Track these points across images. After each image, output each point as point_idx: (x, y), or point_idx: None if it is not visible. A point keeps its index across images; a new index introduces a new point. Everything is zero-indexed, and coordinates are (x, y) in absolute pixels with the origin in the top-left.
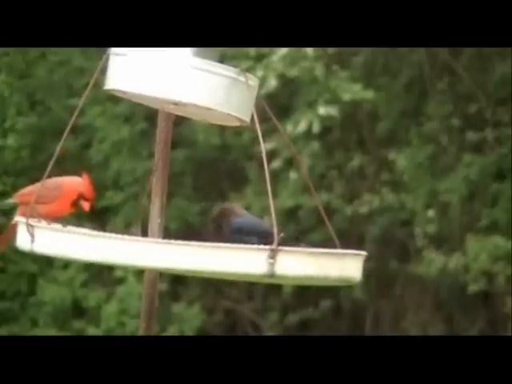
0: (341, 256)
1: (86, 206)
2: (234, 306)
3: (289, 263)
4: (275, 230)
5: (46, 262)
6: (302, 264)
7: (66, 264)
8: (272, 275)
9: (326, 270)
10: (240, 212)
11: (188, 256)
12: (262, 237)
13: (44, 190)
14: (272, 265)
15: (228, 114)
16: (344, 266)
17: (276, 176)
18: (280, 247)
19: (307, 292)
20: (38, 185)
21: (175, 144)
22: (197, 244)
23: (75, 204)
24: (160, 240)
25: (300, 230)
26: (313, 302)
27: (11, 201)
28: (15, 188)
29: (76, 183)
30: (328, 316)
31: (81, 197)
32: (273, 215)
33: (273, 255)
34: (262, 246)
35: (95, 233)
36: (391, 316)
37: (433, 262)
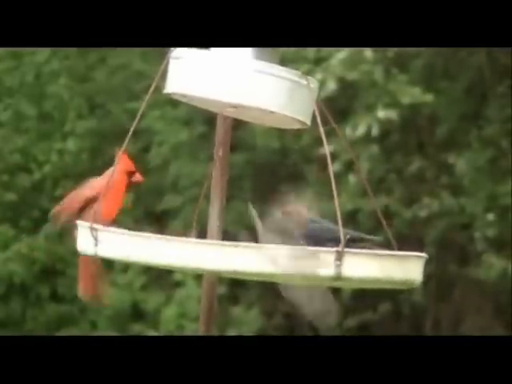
0: (404, 258)
1: (138, 178)
2: (293, 309)
3: (355, 265)
4: (341, 232)
5: (106, 266)
6: (367, 266)
7: (125, 267)
8: (339, 277)
9: (391, 272)
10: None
11: (253, 259)
12: (336, 242)
13: (92, 190)
14: (339, 267)
15: (291, 117)
16: (407, 268)
17: (336, 179)
18: (346, 249)
19: (366, 295)
20: (83, 190)
21: (234, 147)
22: (261, 246)
23: (129, 186)
24: (225, 242)
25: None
26: (372, 305)
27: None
28: None
29: (121, 169)
30: (387, 319)
31: (131, 175)
32: (338, 217)
33: (339, 257)
34: (328, 248)
35: (160, 236)
36: (450, 320)
37: (493, 265)
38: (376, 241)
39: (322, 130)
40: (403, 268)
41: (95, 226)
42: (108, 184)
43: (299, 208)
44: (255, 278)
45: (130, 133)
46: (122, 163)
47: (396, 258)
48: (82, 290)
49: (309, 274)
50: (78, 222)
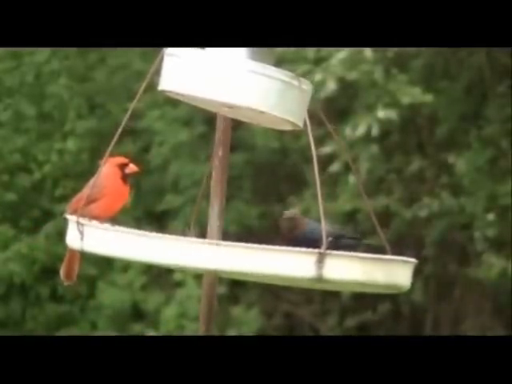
0: (390, 262)
1: (132, 168)
2: (293, 309)
3: (337, 267)
4: (324, 233)
5: (106, 265)
6: (350, 268)
7: (126, 267)
8: (320, 279)
9: (374, 275)
10: (307, 221)
11: (237, 258)
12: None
13: (89, 190)
14: (320, 268)
15: (281, 118)
16: (392, 272)
17: (335, 179)
18: (328, 251)
19: (366, 295)
20: (85, 189)
21: (234, 147)
22: (244, 246)
23: (125, 177)
24: (206, 240)
25: (359, 234)
26: (371, 305)
27: (66, 215)
28: (75, 191)
29: (112, 163)
30: (387, 319)
31: (124, 167)
32: (322, 218)
33: (321, 259)
34: (310, 250)
35: (143, 232)
36: (450, 320)
37: (493, 265)
38: (362, 241)
39: (309, 132)
40: (388, 272)
41: (81, 220)
42: (95, 181)
43: (298, 214)
44: (250, 279)
45: (120, 129)
46: (111, 159)
47: (380, 262)
48: (64, 274)
49: (290, 274)
50: (68, 216)
